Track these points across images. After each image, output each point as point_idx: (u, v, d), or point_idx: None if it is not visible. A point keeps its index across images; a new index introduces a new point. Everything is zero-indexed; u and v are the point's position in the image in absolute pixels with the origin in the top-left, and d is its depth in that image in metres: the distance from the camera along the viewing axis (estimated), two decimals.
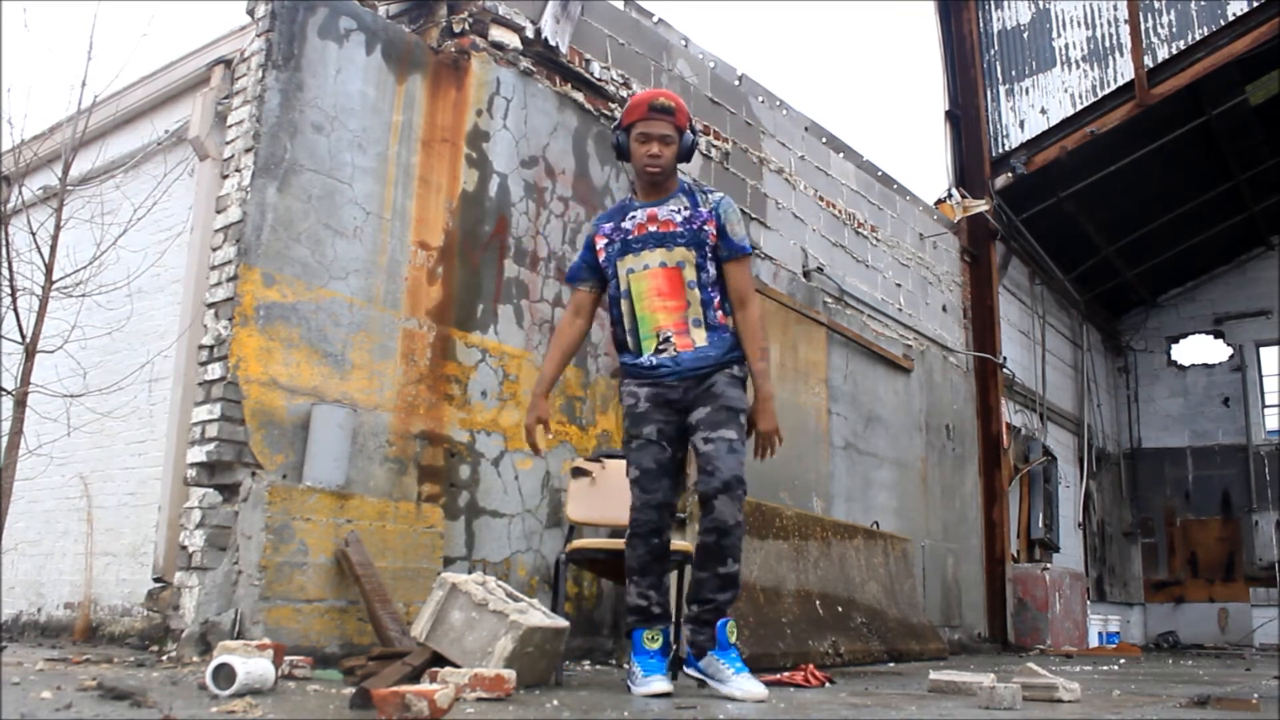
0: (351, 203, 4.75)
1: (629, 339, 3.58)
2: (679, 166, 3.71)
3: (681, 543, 4.08)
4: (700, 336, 3.51)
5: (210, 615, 3.95)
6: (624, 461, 4.31)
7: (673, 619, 3.58)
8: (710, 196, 3.63)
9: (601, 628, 5.62)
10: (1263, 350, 15.15)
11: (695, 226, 3.55)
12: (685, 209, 3.58)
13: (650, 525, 3.46)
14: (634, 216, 3.60)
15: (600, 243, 3.64)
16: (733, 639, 3.43)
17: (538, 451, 3.66)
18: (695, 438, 3.45)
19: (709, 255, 3.55)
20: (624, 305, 3.58)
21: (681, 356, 3.49)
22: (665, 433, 3.50)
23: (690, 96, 6.98)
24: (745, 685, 3.27)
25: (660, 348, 3.50)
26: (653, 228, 3.56)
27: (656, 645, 3.43)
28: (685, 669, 3.48)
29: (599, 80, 6.29)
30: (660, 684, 3.32)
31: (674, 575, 4.14)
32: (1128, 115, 10.39)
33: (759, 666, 3.44)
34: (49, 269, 4.24)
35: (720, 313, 3.56)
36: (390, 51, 5.03)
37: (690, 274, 3.52)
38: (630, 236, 3.58)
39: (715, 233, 3.56)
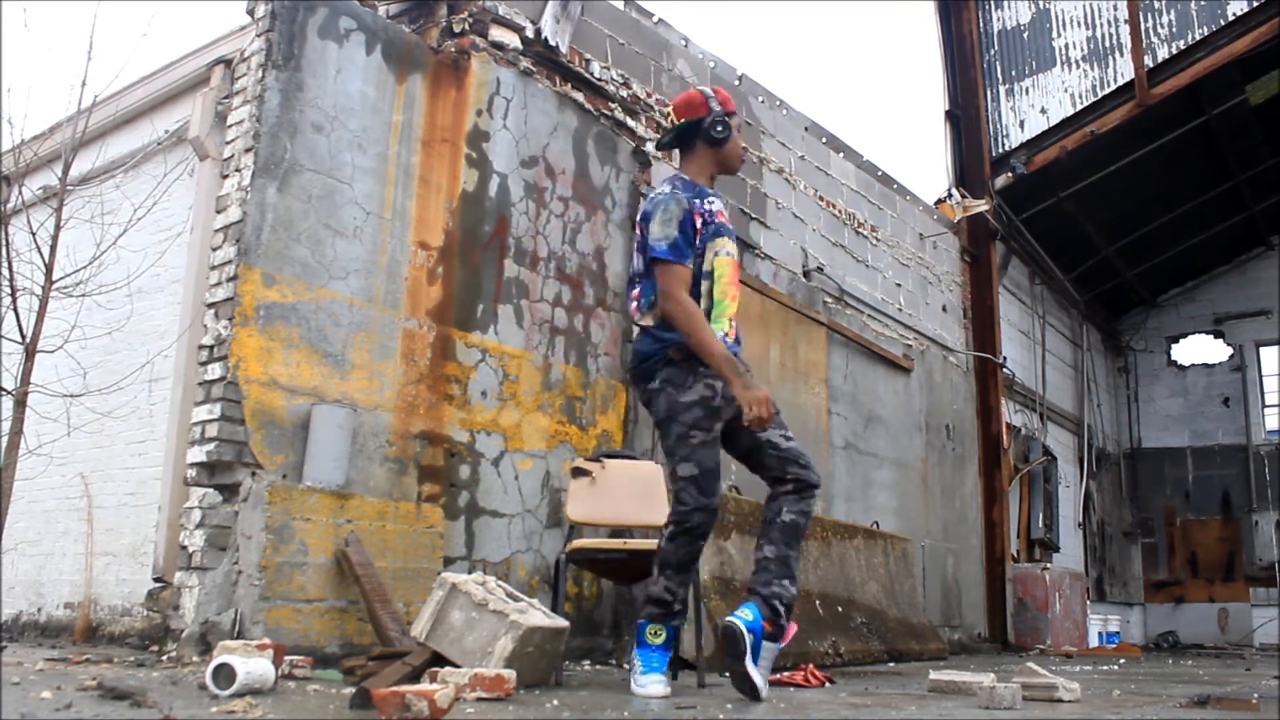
0: (351, 203, 4.75)
1: None
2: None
3: None
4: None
5: (210, 615, 3.95)
6: (624, 461, 4.30)
7: (686, 618, 3.56)
8: None
9: (601, 628, 5.62)
10: (1263, 350, 15.15)
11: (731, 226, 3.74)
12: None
13: (705, 527, 3.43)
14: (713, 201, 3.63)
15: (698, 221, 3.54)
16: None
17: (769, 423, 3.36)
18: (771, 434, 3.45)
19: None
20: (704, 285, 3.54)
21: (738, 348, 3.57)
22: (723, 431, 3.49)
23: None
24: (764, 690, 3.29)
25: (728, 333, 3.52)
26: (723, 219, 3.64)
27: (660, 640, 3.42)
28: (735, 621, 3.26)
29: (599, 80, 6.29)
30: (658, 686, 3.32)
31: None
32: (1128, 115, 10.39)
33: None
34: (49, 269, 4.24)
35: None
36: (390, 51, 5.04)
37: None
38: (716, 220, 3.61)
39: None
